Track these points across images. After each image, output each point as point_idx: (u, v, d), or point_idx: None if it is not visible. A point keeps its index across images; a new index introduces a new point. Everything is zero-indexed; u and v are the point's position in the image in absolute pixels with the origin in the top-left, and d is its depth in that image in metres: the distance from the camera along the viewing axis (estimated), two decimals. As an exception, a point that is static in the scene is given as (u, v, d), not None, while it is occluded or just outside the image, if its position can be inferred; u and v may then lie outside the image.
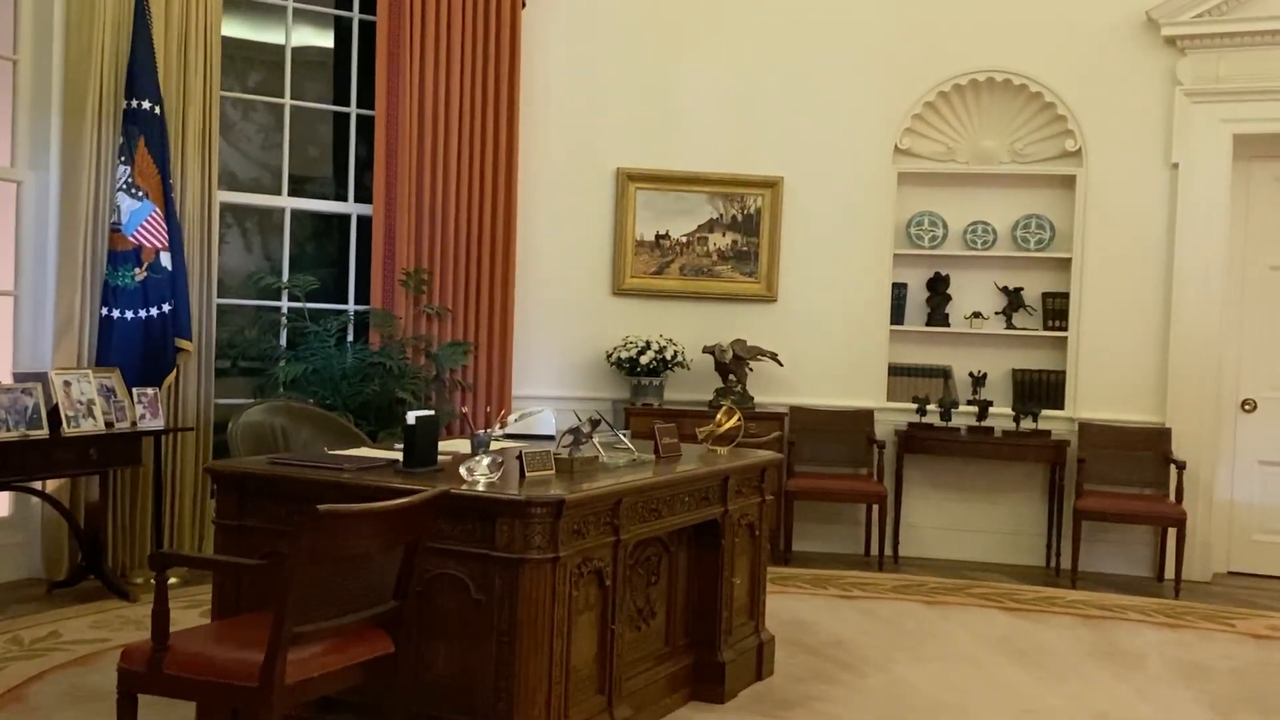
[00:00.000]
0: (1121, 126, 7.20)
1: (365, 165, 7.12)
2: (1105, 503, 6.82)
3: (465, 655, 3.39)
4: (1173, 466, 6.90)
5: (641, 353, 7.11)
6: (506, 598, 3.33)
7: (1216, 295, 7.04)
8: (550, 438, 4.66)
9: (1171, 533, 6.80)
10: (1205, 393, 7.07)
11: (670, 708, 4.20)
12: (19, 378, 5.38)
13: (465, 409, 6.84)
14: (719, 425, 4.65)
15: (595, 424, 4.11)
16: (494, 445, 4.11)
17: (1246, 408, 7.24)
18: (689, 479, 4.13)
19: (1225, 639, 5.65)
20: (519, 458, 3.72)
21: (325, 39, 7.34)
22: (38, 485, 5.56)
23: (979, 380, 7.31)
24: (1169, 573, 6.82)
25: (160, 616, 2.96)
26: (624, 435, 4.46)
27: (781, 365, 7.26)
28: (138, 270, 5.77)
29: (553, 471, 3.75)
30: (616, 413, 7.06)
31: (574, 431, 3.94)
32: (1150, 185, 7.17)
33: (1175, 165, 7.09)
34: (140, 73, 5.79)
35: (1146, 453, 7.04)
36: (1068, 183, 7.37)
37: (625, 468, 4.03)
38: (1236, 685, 4.87)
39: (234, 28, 6.80)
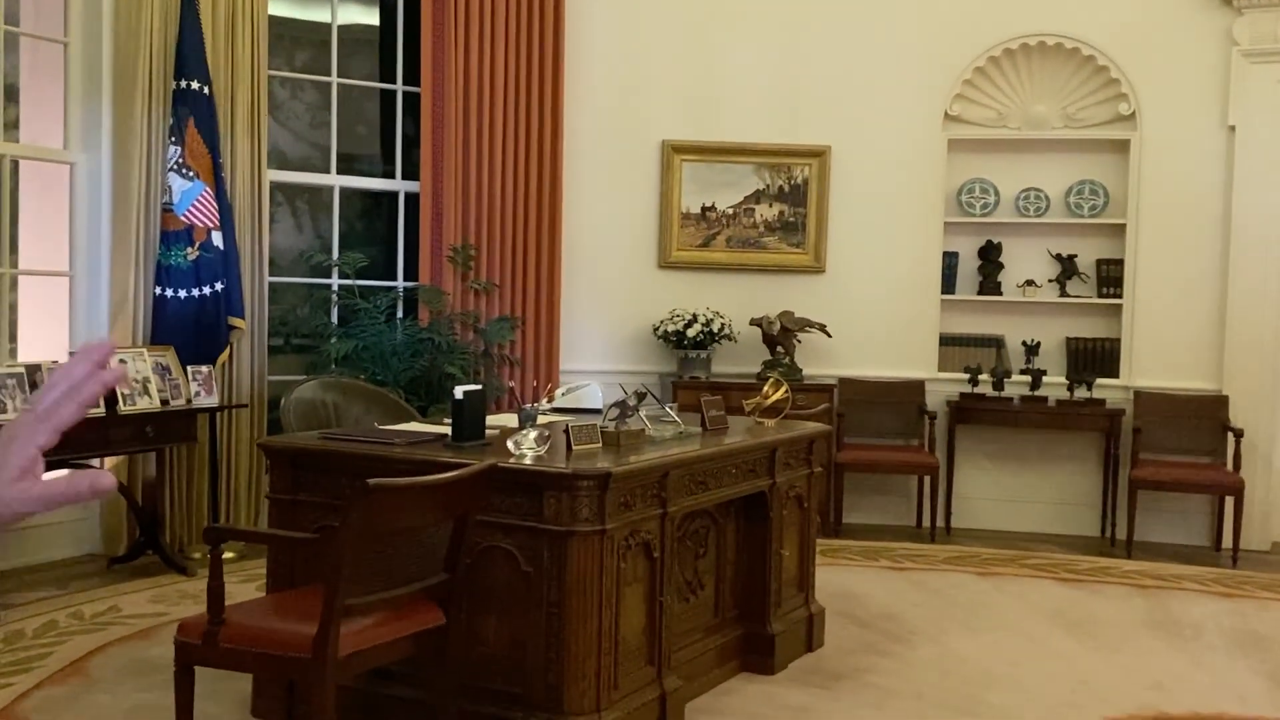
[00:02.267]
0: (1176, 89, 7.05)
1: (412, 142, 7.14)
2: (1161, 472, 6.73)
3: (515, 627, 3.42)
4: (1230, 434, 6.79)
5: (688, 325, 7.09)
6: (555, 570, 3.35)
7: (1275, 259, 6.90)
8: (597, 411, 4.67)
9: (1229, 501, 6.71)
10: (1264, 359, 6.94)
11: (720, 679, 4.22)
12: (76, 357, 5.46)
13: (513, 383, 6.87)
14: (766, 397, 4.64)
15: (642, 397, 4.12)
16: (541, 419, 4.13)
17: (1307, 374, 7.11)
18: (736, 451, 4.13)
19: (1285, 609, 5.57)
20: (566, 431, 3.73)
21: (371, 16, 7.36)
22: (95, 463, 5.66)
23: (1032, 349, 7.22)
24: (1226, 542, 6.72)
25: (216, 590, 3.01)
26: (671, 408, 4.46)
27: (830, 336, 7.21)
28: (190, 250, 5.84)
29: (599, 445, 3.76)
30: (664, 386, 7.05)
31: (620, 405, 3.95)
32: (1206, 148, 7.02)
33: (1232, 127, 6.94)
34: (189, 53, 5.83)
35: (1203, 421, 6.94)
36: (1121, 147, 7.23)
37: (672, 440, 4.04)
38: (1296, 655, 4.80)
39: (280, 7, 6.83)
